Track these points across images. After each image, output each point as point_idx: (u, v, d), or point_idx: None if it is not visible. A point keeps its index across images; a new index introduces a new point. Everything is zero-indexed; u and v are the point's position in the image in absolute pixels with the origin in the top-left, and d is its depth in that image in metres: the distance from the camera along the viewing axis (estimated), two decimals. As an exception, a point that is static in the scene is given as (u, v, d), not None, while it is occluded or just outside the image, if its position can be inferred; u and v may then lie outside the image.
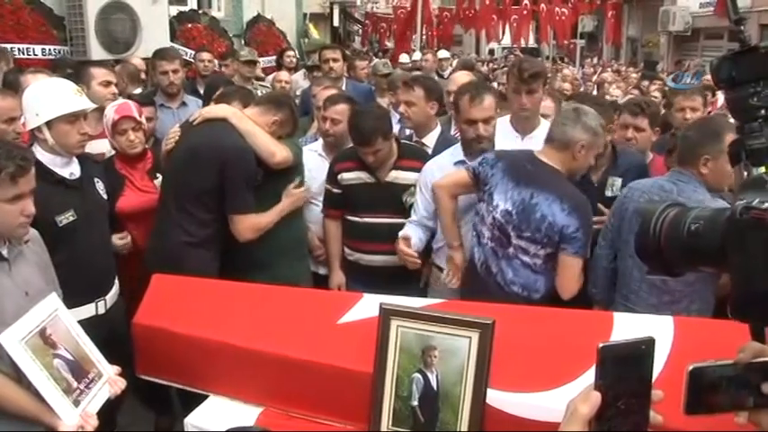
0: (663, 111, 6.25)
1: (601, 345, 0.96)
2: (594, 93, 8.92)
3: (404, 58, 11.80)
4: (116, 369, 2.21)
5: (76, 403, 2.02)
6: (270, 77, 7.41)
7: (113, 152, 3.47)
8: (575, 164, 2.85)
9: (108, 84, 4.00)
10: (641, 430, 0.98)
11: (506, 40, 20.56)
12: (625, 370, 0.97)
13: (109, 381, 2.16)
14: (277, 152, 3.16)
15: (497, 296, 2.78)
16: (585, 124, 2.82)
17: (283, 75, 6.64)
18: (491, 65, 14.34)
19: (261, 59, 8.56)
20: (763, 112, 1.09)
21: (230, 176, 3.01)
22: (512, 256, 2.88)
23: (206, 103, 4.39)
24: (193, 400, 2.35)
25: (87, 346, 2.16)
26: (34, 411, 1.99)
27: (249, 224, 3.09)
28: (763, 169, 1.07)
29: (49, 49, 7.12)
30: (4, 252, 2.15)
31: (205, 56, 6.59)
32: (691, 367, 1.01)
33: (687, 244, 1.08)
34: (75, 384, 2.04)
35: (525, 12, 19.14)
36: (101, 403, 2.11)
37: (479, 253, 2.97)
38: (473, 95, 3.18)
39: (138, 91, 5.04)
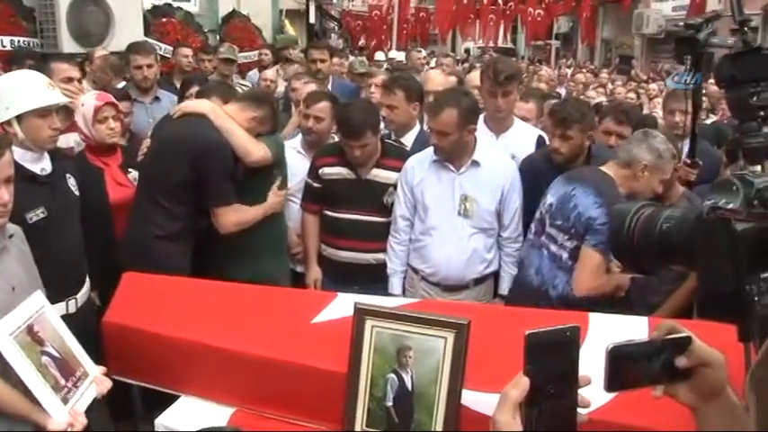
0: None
1: (527, 332, 0.99)
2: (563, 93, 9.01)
3: (379, 55, 11.80)
4: (101, 369, 2.18)
5: (65, 401, 1.98)
6: (251, 74, 7.37)
7: (82, 146, 3.41)
8: (636, 184, 2.87)
9: (70, 80, 3.92)
10: (570, 413, 1.01)
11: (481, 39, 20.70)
12: (552, 356, 1.00)
13: (95, 380, 2.13)
14: (253, 151, 3.15)
15: (522, 289, 2.96)
16: (651, 145, 2.86)
17: (269, 73, 6.59)
18: (465, 64, 14.40)
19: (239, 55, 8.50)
20: (762, 112, 1.11)
21: (207, 169, 3.00)
22: (542, 244, 2.99)
23: (181, 100, 4.36)
24: (158, 403, 2.33)
25: (73, 345, 2.13)
26: (23, 409, 1.94)
27: (232, 217, 3.09)
28: (759, 168, 1.09)
29: (18, 41, 6.98)
30: None
31: (186, 51, 6.52)
32: (610, 346, 1.03)
33: (659, 243, 1.11)
34: (63, 382, 2.01)
35: (504, 11, 19.27)
36: (88, 402, 2.07)
37: (522, 249, 3.16)
38: (433, 107, 3.19)
39: (122, 84, 4.95)
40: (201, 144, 3.03)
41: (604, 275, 2.83)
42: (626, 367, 1.04)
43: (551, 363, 1.00)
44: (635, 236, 1.15)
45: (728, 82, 1.16)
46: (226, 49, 6.78)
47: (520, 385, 0.98)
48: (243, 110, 3.23)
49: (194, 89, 4.18)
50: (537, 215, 3.07)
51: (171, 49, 8.19)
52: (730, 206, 1.00)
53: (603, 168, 2.95)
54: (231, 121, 3.14)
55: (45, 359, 1.98)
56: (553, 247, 2.93)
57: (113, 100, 3.35)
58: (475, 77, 4.60)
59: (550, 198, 3.00)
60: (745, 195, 1.01)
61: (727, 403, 1.06)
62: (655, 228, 1.12)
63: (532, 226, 3.09)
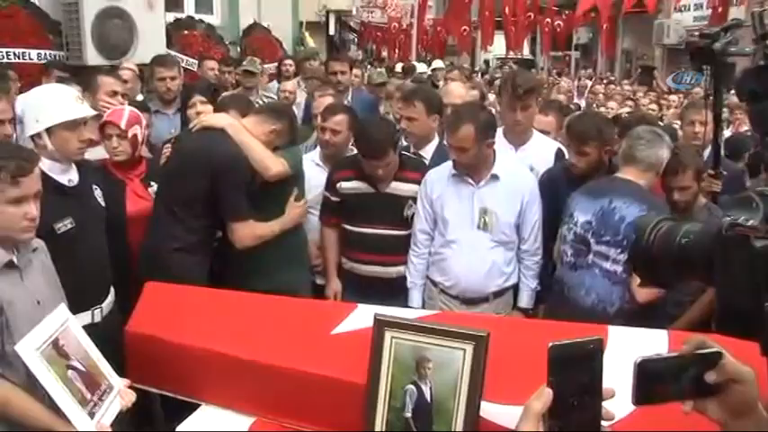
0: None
1: (550, 344, 1.00)
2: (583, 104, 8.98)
3: (398, 67, 11.84)
4: (125, 381, 2.20)
5: (92, 415, 1.99)
6: (270, 85, 7.42)
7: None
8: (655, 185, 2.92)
9: (114, 93, 4.00)
10: (593, 425, 1.01)
11: (500, 50, 20.68)
12: (575, 368, 1.00)
13: (120, 392, 2.15)
14: (272, 166, 3.17)
15: (574, 312, 2.80)
16: (669, 144, 2.91)
17: (288, 85, 6.65)
18: (486, 76, 14.40)
19: (264, 67, 8.56)
20: None
21: (223, 183, 3.02)
22: (591, 264, 2.95)
23: (184, 107, 4.40)
24: (178, 412, 2.35)
25: (97, 357, 2.14)
26: (50, 424, 1.96)
27: (248, 231, 3.10)
28: None
29: (45, 54, 7.10)
30: (15, 260, 2.13)
31: (212, 64, 6.59)
32: (638, 360, 1.03)
33: (677, 256, 1.11)
34: (89, 396, 2.02)
35: (524, 22, 19.26)
36: (114, 415, 2.08)
37: (560, 272, 3.09)
38: (450, 123, 3.20)
39: (140, 97, 5.02)
40: (218, 158, 3.04)
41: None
42: (654, 381, 1.04)
43: (574, 375, 1.00)
44: (654, 249, 1.14)
45: (750, 95, 1.16)
46: (248, 61, 6.85)
47: (543, 397, 0.99)
48: (261, 123, 3.26)
49: (197, 98, 4.22)
50: (569, 236, 3.03)
51: (193, 61, 8.30)
52: (750, 223, 1.00)
53: (622, 176, 2.93)
54: (249, 136, 3.16)
55: (71, 373, 2.00)
56: (606, 264, 2.90)
57: (119, 120, 3.31)
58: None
59: (582, 216, 2.97)
60: (764, 212, 1.01)
61: (759, 420, 1.05)
62: (674, 242, 1.12)
63: (567, 249, 3.05)
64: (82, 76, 4.41)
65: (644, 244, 1.16)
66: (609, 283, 2.89)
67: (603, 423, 1.02)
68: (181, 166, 3.16)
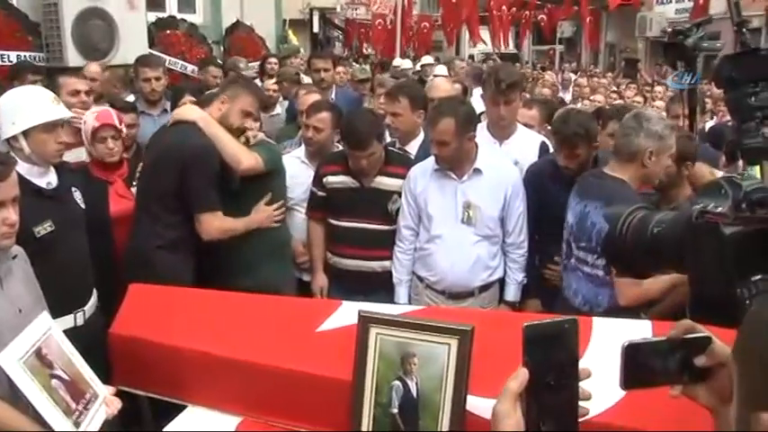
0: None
1: (525, 324, 1.00)
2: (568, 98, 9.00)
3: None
4: (111, 389, 2.18)
5: (77, 425, 1.96)
6: None
7: (89, 159, 3.44)
8: (646, 171, 2.82)
9: (76, 93, 3.96)
10: (570, 404, 1.01)
11: (485, 45, 20.68)
12: (551, 347, 1.00)
13: (105, 401, 2.13)
14: (243, 160, 3.16)
15: (566, 311, 2.77)
16: (649, 130, 2.77)
17: (272, 83, 6.62)
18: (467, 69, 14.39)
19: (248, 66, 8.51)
20: (760, 112, 1.11)
21: (191, 174, 3.01)
22: (574, 267, 2.96)
23: (173, 109, 4.38)
24: (166, 413, 2.33)
25: (81, 365, 2.11)
26: None
27: (215, 223, 3.08)
28: (757, 168, 1.09)
29: (25, 56, 7.03)
30: None
31: (216, 71, 6.52)
32: (626, 343, 1.03)
33: (650, 246, 1.12)
34: (73, 405, 1.99)
35: (509, 16, 19.31)
36: (99, 424, 2.06)
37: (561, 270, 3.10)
38: (431, 117, 3.22)
39: (132, 98, 4.99)
40: (188, 150, 3.04)
41: (645, 286, 2.72)
42: (642, 364, 1.04)
43: (550, 354, 1.00)
44: (627, 239, 1.15)
45: (727, 83, 1.16)
46: (231, 62, 6.81)
47: (519, 377, 0.99)
48: (213, 102, 3.21)
49: (187, 98, 4.21)
50: (564, 236, 3.05)
51: (176, 60, 8.25)
52: (719, 210, 1.00)
53: (608, 170, 2.90)
54: (221, 128, 3.14)
55: (55, 382, 1.96)
56: (586, 268, 2.91)
57: (113, 121, 3.35)
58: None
59: (570, 218, 2.99)
60: (733, 199, 1.01)
61: None
62: (646, 231, 1.12)
63: (564, 247, 3.07)
64: (44, 78, 4.37)
65: (617, 235, 1.16)
66: (593, 286, 2.89)
67: (581, 403, 1.02)
68: (154, 161, 3.17)
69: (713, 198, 1.03)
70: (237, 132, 3.22)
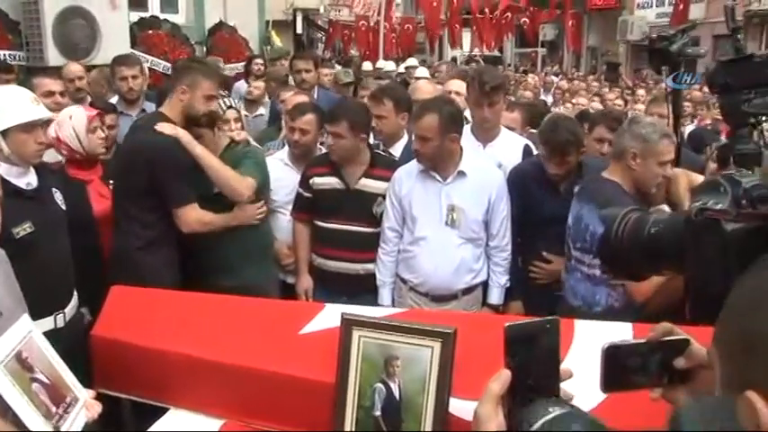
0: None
1: (506, 324, 0.99)
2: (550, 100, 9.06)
3: (367, 65, 11.83)
4: (91, 393, 2.15)
5: (57, 429, 1.92)
6: (238, 85, 7.36)
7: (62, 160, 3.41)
8: (635, 174, 2.85)
9: (50, 93, 3.93)
10: None
11: (467, 47, 20.79)
12: (532, 348, 0.99)
13: (86, 405, 2.10)
14: (242, 190, 3.18)
15: (564, 313, 2.77)
16: (634, 132, 2.85)
17: (258, 84, 6.60)
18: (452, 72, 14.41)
19: (225, 66, 8.50)
20: (753, 118, 1.12)
21: (159, 171, 3.01)
22: (572, 268, 3.00)
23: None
24: (147, 416, 2.31)
25: (61, 368, 2.07)
26: None
27: (194, 215, 3.07)
28: (750, 172, 1.09)
29: (4, 54, 6.96)
30: None
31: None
32: (606, 345, 1.03)
33: (648, 247, 1.10)
34: (54, 409, 1.94)
35: (491, 19, 19.40)
36: (79, 428, 2.02)
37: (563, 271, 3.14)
38: (415, 113, 3.24)
39: (115, 99, 4.95)
40: (153, 147, 3.04)
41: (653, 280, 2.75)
42: (622, 367, 1.04)
43: (532, 355, 0.99)
44: (624, 241, 1.13)
45: (721, 88, 1.16)
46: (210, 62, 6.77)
47: (501, 378, 0.99)
48: (192, 89, 3.14)
49: None
50: (566, 238, 3.08)
51: (159, 61, 8.20)
52: (719, 207, 0.99)
53: (605, 174, 2.96)
54: (205, 150, 3.12)
55: (35, 386, 1.92)
56: (584, 269, 2.94)
57: (99, 112, 3.39)
58: (451, 84, 4.66)
59: (569, 220, 3.02)
60: (733, 195, 1.00)
61: None
62: (643, 231, 1.11)
63: (566, 249, 3.09)
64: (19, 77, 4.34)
65: (613, 236, 1.14)
66: (590, 285, 2.92)
67: None
68: (123, 163, 3.18)
69: (712, 195, 1.02)
70: (206, 118, 3.19)
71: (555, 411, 0.93)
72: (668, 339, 1.06)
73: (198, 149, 3.10)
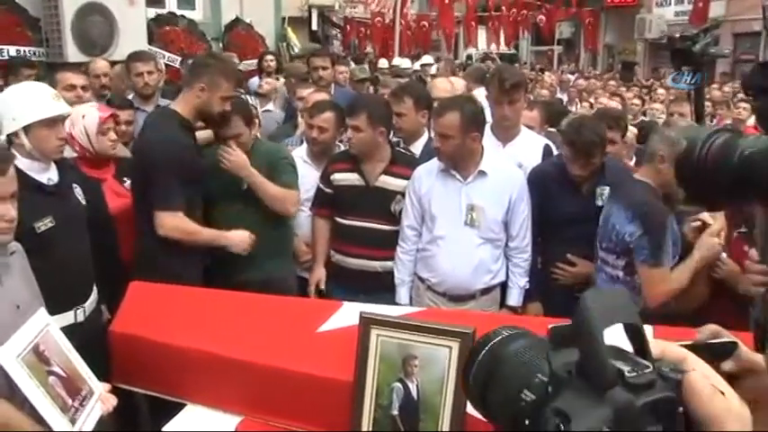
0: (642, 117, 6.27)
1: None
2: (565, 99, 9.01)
3: (382, 63, 11.82)
4: (106, 386, 2.17)
5: (73, 422, 1.95)
6: (252, 81, 7.38)
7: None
8: (662, 177, 2.81)
9: (72, 87, 3.94)
10: None
11: (482, 45, 20.72)
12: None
13: (101, 397, 2.12)
14: (290, 205, 3.30)
15: None
16: (663, 134, 2.86)
17: (269, 80, 6.63)
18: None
19: (240, 63, 8.51)
20: None
21: (151, 170, 3.00)
22: (599, 268, 3.02)
23: None
24: (164, 412, 2.33)
25: (77, 362, 2.09)
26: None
27: (173, 222, 3.02)
28: None
29: (24, 51, 7.02)
30: None
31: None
32: None
33: (737, 170, 1.00)
34: (70, 402, 1.97)
35: (508, 17, 19.33)
36: (95, 421, 2.04)
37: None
38: (437, 110, 3.22)
39: (131, 96, 4.97)
40: (150, 146, 3.06)
41: (672, 280, 2.78)
42: None
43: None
44: (708, 162, 1.02)
45: (758, 91, 1.12)
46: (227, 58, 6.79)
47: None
48: (211, 89, 3.12)
49: None
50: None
51: (176, 57, 8.22)
52: None
53: (637, 175, 2.97)
54: (261, 177, 3.20)
55: (52, 379, 1.95)
56: (608, 269, 2.95)
57: (113, 112, 3.37)
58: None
59: (600, 220, 3.02)
60: None
61: None
62: (734, 153, 0.99)
63: (595, 250, 3.09)
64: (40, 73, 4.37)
65: (695, 158, 1.03)
66: (613, 286, 2.90)
67: None
68: (133, 163, 3.21)
69: None
70: (219, 117, 3.20)
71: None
72: (715, 342, 1.04)
73: (257, 179, 3.20)
